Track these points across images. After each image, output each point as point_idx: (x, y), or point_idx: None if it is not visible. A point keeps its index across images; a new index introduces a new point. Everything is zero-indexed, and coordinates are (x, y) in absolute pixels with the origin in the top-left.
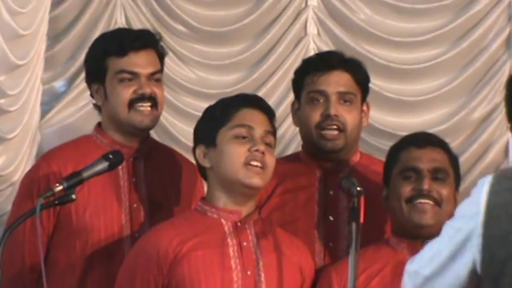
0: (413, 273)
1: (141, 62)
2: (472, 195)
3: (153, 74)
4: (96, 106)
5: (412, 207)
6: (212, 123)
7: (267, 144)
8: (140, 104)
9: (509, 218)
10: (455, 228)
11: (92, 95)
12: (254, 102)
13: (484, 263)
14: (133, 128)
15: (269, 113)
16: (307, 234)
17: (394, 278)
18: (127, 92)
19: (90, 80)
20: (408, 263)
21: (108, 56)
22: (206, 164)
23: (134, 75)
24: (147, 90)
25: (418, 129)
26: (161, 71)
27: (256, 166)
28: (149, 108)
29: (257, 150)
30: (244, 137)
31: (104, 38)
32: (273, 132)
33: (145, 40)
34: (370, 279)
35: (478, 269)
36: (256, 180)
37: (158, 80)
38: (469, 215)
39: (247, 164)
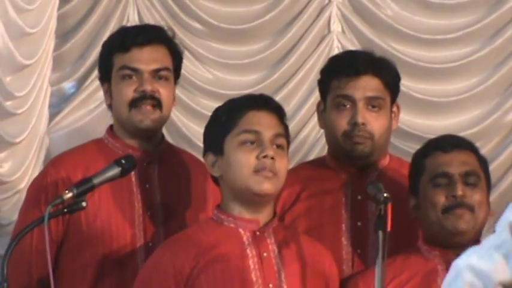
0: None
1: (144, 57)
2: None
3: (157, 71)
4: (108, 107)
5: (449, 217)
6: (218, 130)
7: (278, 147)
8: (141, 103)
9: None
10: (509, 220)
11: (104, 95)
12: (261, 103)
13: None
14: (134, 128)
15: (278, 112)
16: (334, 241)
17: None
18: (128, 90)
19: (101, 79)
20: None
21: (113, 52)
22: (215, 173)
23: (136, 72)
24: (148, 88)
25: (448, 132)
26: (170, 69)
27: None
28: (150, 107)
29: (266, 156)
30: (252, 143)
31: (113, 34)
32: (284, 133)
33: (150, 35)
34: None
35: None
36: (267, 186)
37: (165, 78)
38: None
39: (256, 171)
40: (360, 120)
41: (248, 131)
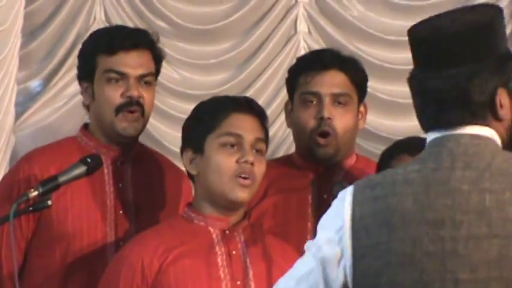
0: None
1: (130, 62)
2: (333, 209)
3: (143, 76)
4: (85, 105)
5: None
6: (200, 128)
7: (258, 151)
8: (128, 110)
9: (378, 227)
10: (317, 245)
11: (81, 93)
12: (244, 106)
13: (357, 276)
14: (116, 134)
15: (261, 116)
16: (299, 239)
17: None
18: (115, 94)
19: (80, 77)
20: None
21: (97, 53)
22: (192, 170)
23: (122, 76)
24: (135, 93)
25: (414, 133)
26: (154, 74)
27: (245, 178)
28: (136, 115)
29: (246, 162)
30: (232, 146)
31: (97, 34)
32: (265, 138)
33: (137, 40)
34: None
35: (350, 284)
36: (242, 195)
37: (149, 84)
38: (334, 230)
39: (235, 176)
40: (325, 114)
41: (230, 134)
